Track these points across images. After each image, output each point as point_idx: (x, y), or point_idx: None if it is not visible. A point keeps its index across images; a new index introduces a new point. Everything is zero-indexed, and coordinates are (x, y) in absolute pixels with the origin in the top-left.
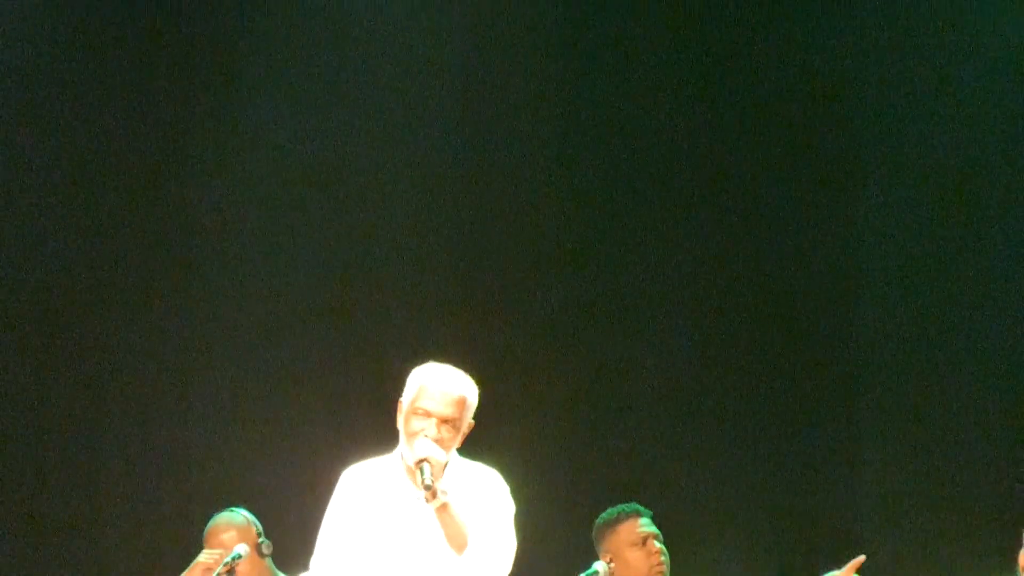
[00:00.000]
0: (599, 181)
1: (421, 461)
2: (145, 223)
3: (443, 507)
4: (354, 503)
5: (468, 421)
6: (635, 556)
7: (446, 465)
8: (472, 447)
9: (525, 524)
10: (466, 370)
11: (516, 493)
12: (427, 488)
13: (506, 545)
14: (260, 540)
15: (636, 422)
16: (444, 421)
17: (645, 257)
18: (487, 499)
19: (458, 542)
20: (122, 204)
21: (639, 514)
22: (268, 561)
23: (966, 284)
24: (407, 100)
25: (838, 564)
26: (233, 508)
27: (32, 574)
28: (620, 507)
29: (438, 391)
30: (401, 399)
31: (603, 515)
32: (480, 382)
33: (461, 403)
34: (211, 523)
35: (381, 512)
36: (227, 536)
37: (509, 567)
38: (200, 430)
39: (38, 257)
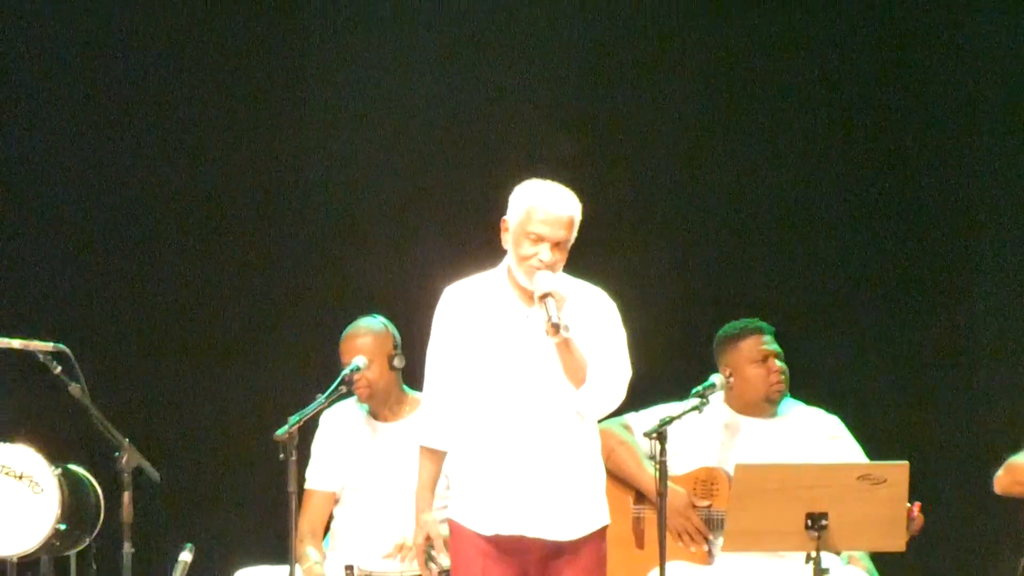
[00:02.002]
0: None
1: (545, 296)
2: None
3: (565, 342)
4: (459, 321)
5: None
6: (755, 373)
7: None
8: (590, 264)
9: (643, 337)
10: (581, 183)
11: (633, 306)
12: (554, 326)
13: (623, 375)
14: (395, 351)
15: (751, 237)
16: (556, 244)
17: (768, 80)
18: (601, 325)
19: (578, 376)
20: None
21: (762, 331)
22: (398, 375)
23: None
24: None
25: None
26: (373, 315)
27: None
28: (744, 322)
29: (549, 214)
30: (506, 218)
31: (725, 329)
32: (595, 197)
33: (571, 224)
34: (349, 328)
35: (488, 329)
36: (362, 342)
37: (623, 396)
38: (322, 243)
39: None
